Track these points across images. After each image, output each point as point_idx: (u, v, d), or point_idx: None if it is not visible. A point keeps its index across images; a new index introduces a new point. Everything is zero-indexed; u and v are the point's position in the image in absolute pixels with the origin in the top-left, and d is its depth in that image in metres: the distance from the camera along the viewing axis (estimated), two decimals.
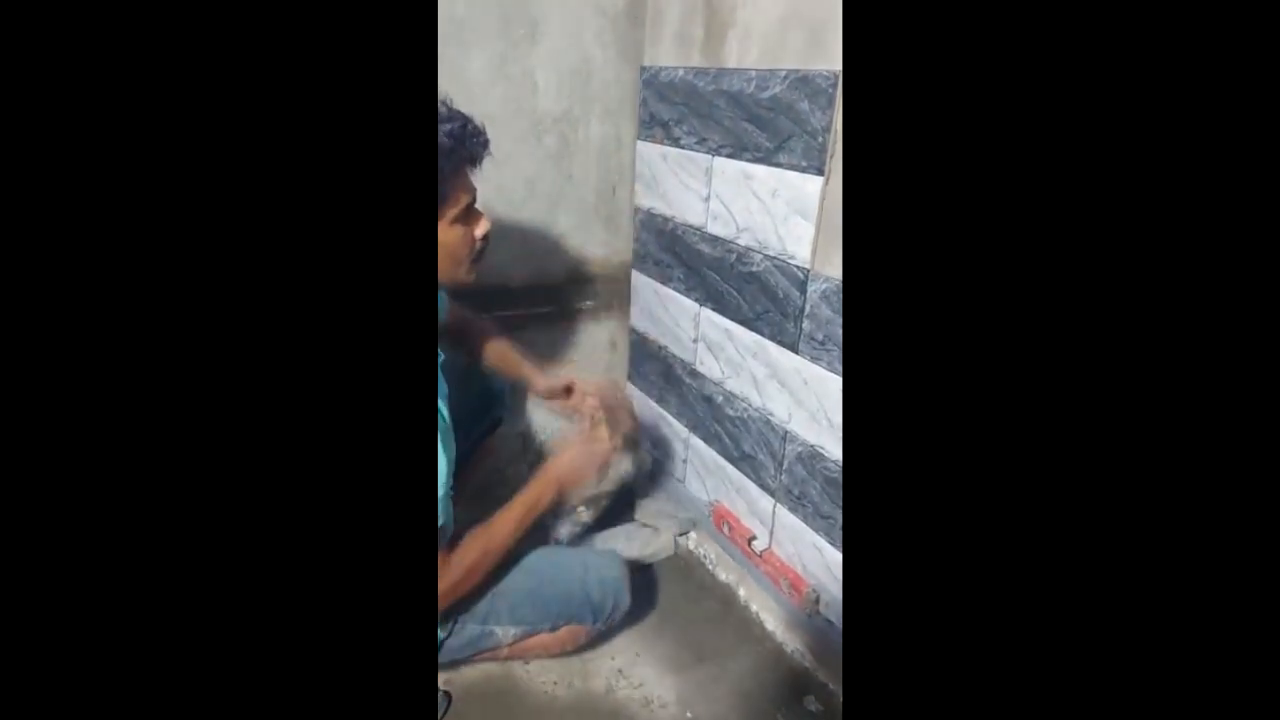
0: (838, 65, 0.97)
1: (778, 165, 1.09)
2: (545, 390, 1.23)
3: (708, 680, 1.15)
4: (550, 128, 1.39)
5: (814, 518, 1.15)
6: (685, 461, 1.50)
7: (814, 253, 1.06)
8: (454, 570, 0.92)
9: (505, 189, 1.38)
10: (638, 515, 1.50)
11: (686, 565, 1.43)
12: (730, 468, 1.35)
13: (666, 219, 1.40)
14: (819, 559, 1.15)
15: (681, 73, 1.29)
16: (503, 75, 1.31)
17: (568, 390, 1.21)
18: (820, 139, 1.01)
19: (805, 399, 1.12)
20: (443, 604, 0.94)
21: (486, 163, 0.88)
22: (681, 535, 1.47)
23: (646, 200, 1.46)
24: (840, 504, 1.08)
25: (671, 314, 1.45)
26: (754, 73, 1.12)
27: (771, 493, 1.25)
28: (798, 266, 1.09)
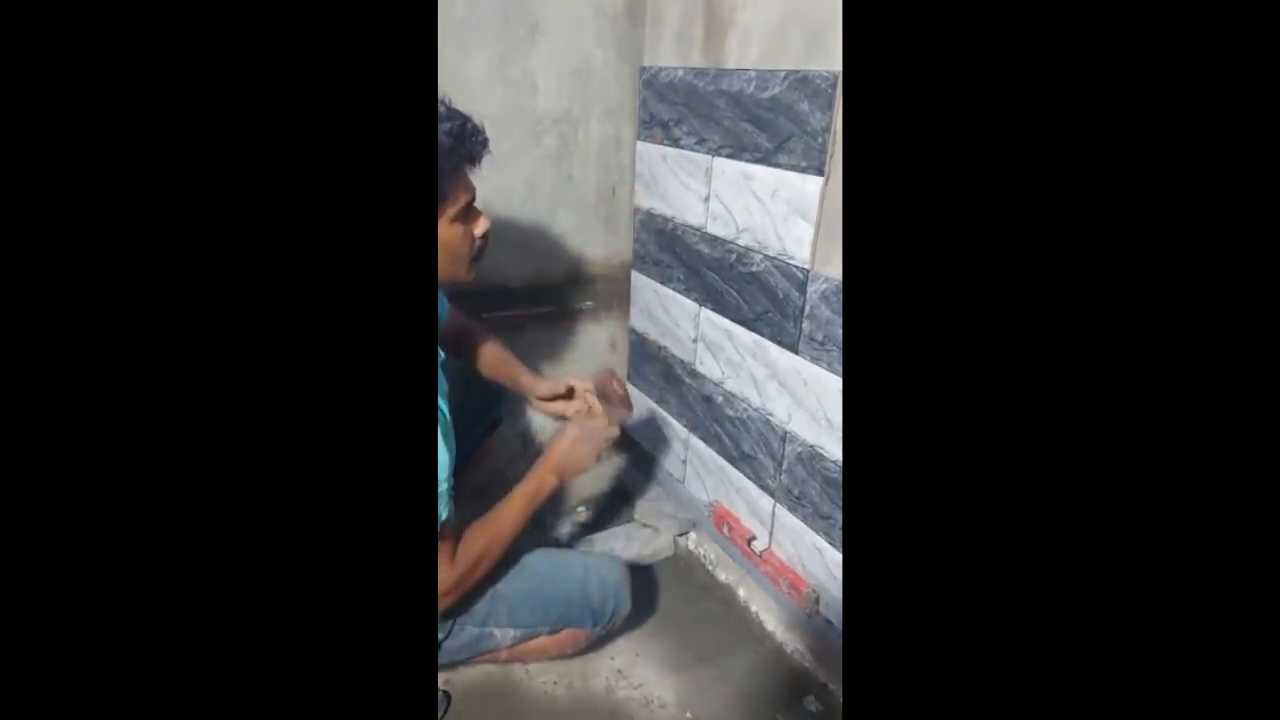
0: (837, 66, 0.97)
1: (777, 166, 1.09)
2: (546, 395, 1.22)
3: (707, 680, 1.15)
4: (550, 128, 1.39)
5: (814, 518, 1.15)
6: (685, 462, 1.50)
7: (814, 253, 1.06)
8: (459, 564, 0.92)
9: (505, 189, 1.38)
10: (637, 515, 1.50)
11: (686, 565, 1.43)
12: (730, 468, 1.35)
13: (666, 219, 1.40)
14: (819, 559, 1.15)
15: (681, 73, 1.29)
16: (502, 76, 1.31)
17: (570, 392, 1.21)
18: (820, 139, 1.01)
19: (805, 399, 1.12)
20: (448, 598, 0.93)
21: (486, 163, 0.89)
22: (681, 535, 1.47)
23: (646, 200, 1.46)
24: (840, 504, 1.08)
25: (671, 314, 1.45)
26: (754, 73, 1.12)
27: (771, 493, 1.25)
28: (797, 267, 1.09)
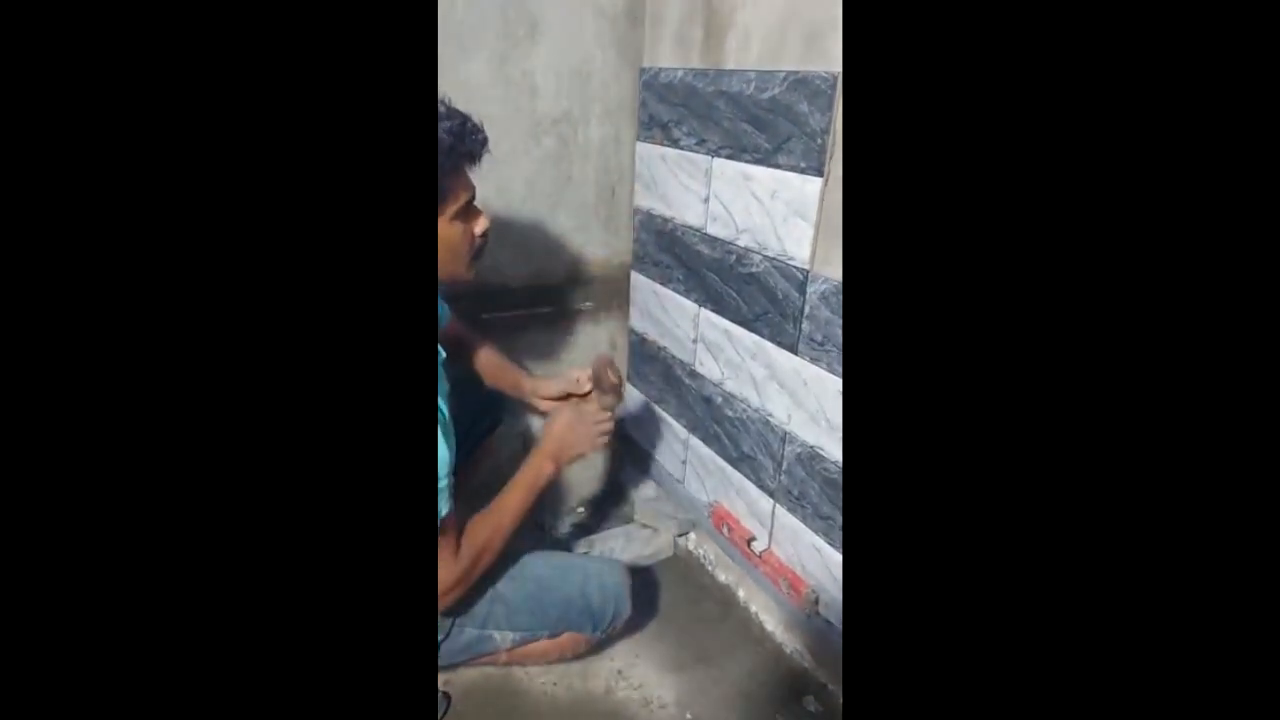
0: (836, 67, 0.97)
1: (777, 166, 1.10)
2: (551, 395, 1.21)
3: (707, 681, 1.15)
4: (550, 129, 1.39)
5: (813, 518, 1.15)
6: (685, 462, 1.50)
7: (813, 254, 1.06)
8: (463, 558, 0.92)
9: (505, 190, 1.38)
10: (637, 516, 1.50)
11: (686, 566, 1.43)
12: (729, 468, 1.35)
13: (666, 220, 1.40)
14: (818, 559, 1.15)
15: (681, 74, 1.29)
16: (502, 76, 1.31)
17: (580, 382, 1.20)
18: (819, 140, 1.01)
19: (804, 400, 1.12)
20: (453, 594, 0.93)
21: (486, 163, 0.90)
22: (681, 536, 1.47)
23: (646, 201, 1.46)
24: (839, 505, 1.08)
25: (671, 315, 1.45)
26: (753, 74, 1.12)
27: (771, 493, 1.25)
28: (797, 268, 1.09)
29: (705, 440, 1.42)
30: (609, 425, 1.06)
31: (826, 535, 1.13)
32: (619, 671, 1.15)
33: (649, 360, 1.56)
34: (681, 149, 1.32)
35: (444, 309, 1.16)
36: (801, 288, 1.09)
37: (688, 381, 1.44)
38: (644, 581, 1.32)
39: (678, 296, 1.41)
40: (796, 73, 1.03)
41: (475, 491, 1.01)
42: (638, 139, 1.45)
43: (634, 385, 1.64)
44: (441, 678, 1.08)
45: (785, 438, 1.18)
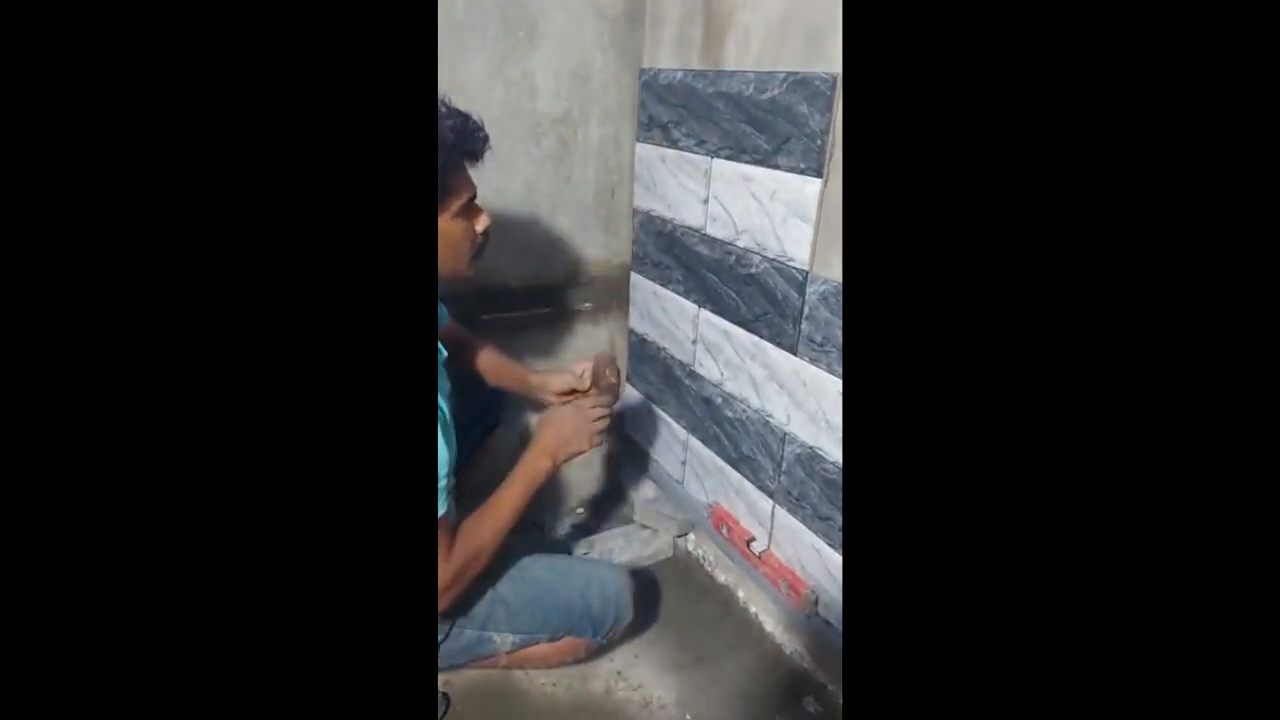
0: (836, 68, 0.97)
1: (776, 167, 1.10)
2: (560, 390, 1.21)
3: (707, 681, 1.15)
4: (549, 129, 1.39)
5: (813, 519, 1.15)
6: (684, 463, 1.50)
7: (813, 255, 1.06)
8: (456, 559, 0.91)
9: (504, 190, 1.38)
10: (636, 517, 1.50)
11: (685, 567, 1.43)
12: (729, 469, 1.35)
13: (665, 221, 1.40)
14: (818, 560, 1.15)
15: (680, 75, 1.29)
16: (502, 77, 1.31)
17: (582, 376, 1.20)
18: (819, 141, 1.01)
19: (804, 400, 1.12)
20: (448, 594, 0.92)
21: (486, 164, 0.90)
22: (680, 537, 1.47)
23: (645, 202, 1.46)
24: (838, 505, 1.08)
25: (670, 315, 1.45)
26: (753, 75, 1.12)
27: (770, 494, 1.25)
28: (796, 268, 1.09)
29: (705, 441, 1.42)
30: (604, 422, 1.05)
31: (826, 536, 1.13)
32: (618, 672, 1.15)
33: (648, 361, 1.57)
34: (681, 150, 1.32)
35: (442, 310, 1.16)
36: (801, 288, 1.09)
37: (687, 382, 1.44)
38: (645, 585, 1.31)
39: (677, 297, 1.41)
40: (796, 74, 1.03)
41: (475, 491, 1.01)
42: (637, 140, 1.45)
43: (633, 386, 1.64)
44: (441, 678, 1.08)
45: (785, 438, 1.18)
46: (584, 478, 1.61)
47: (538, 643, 1.07)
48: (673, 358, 1.47)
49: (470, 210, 0.90)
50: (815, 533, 1.15)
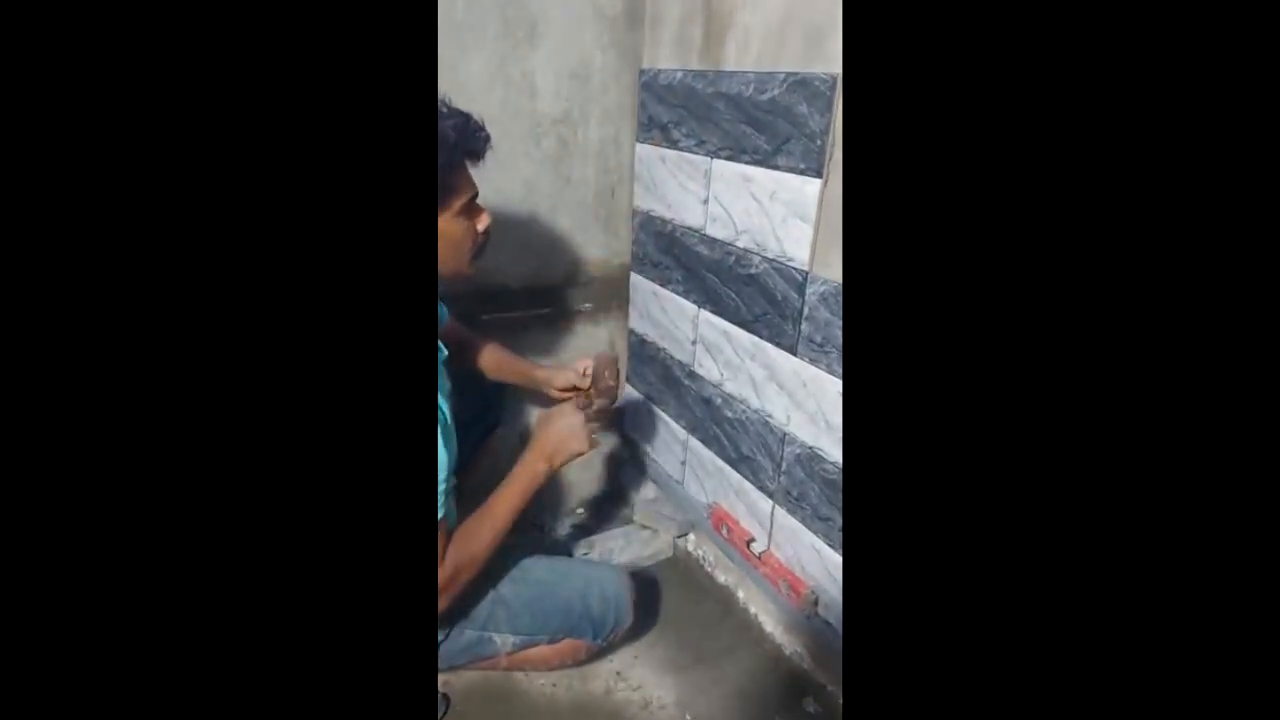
0: (836, 68, 0.97)
1: (776, 168, 1.10)
2: (564, 387, 1.21)
3: (706, 682, 1.15)
4: (549, 130, 1.39)
5: (812, 519, 1.15)
6: (684, 463, 1.50)
7: (812, 255, 1.06)
8: (450, 563, 0.91)
9: (504, 191, 1.38)
10: (636, 517, 1.50)
11: (685, 567, 1.43)
12: (729, 469, 1.35)
13: (665, 221, 1.40)
14: (817, 561, 1.15)
15: (680, 75, 1.29)
16: (502, 77, 1.31)
17: (585, 374, 1.20)
18: (819, 142, 1.01)
19: (804, 401, 1.12)
20: (443, 596, 0.92)
21: (486, 164, 0.91)
22: (680, 537, 1.47)
23: (645, 202, 1.46)
24: (838, 506, 1.08)
25: (670, 316, 1.45)
26: (752, 75, 1.12)
27: (770, 494, 1.25)
28: (796, 269, 1.09)
29: (704, 441, 1.42)
30: (600, 423, 1.05)
31: (826, 536, 1.13)
32: (618, 673, 1.15)
33: (648, 361, 1.57)
34: (681, 150, 1.32)
35: (442, 309, 1.17)
36: (800, 289, 1.09)
37: (687, 382, 1.44)
38: (644, 587, 1.31)
39: (677, 297, 1.41)
40: (796, 74, 1.03)
41: (475, 491, 1.01)
42: (637, 140, 1.45)
43: (633, 386, 1.64)
44: (441, 679, 1.08)
45: (784, 439, 1.18)
46: (584, 478, 1.61)
47: (538, 644, 1.07)
48: (672, 358, 1.47)
49: (472, 209, 0.91)
50: (815, 533, 1.15)
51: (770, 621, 1.27)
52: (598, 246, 1.53)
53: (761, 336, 1.20)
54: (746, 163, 1.16)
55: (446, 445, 0.86)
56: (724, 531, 1.36)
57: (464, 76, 1.27)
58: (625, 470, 1.65)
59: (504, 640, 1.04)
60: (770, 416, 1.21)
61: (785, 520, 1.22)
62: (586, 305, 1.57)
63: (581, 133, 1.43)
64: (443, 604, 0.93)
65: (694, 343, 1.39)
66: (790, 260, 1.10)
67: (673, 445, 1.53)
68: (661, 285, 1.46)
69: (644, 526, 1.47)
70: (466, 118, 0.86)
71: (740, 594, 1.34)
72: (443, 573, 0.90)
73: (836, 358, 1.04)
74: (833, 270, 1.03)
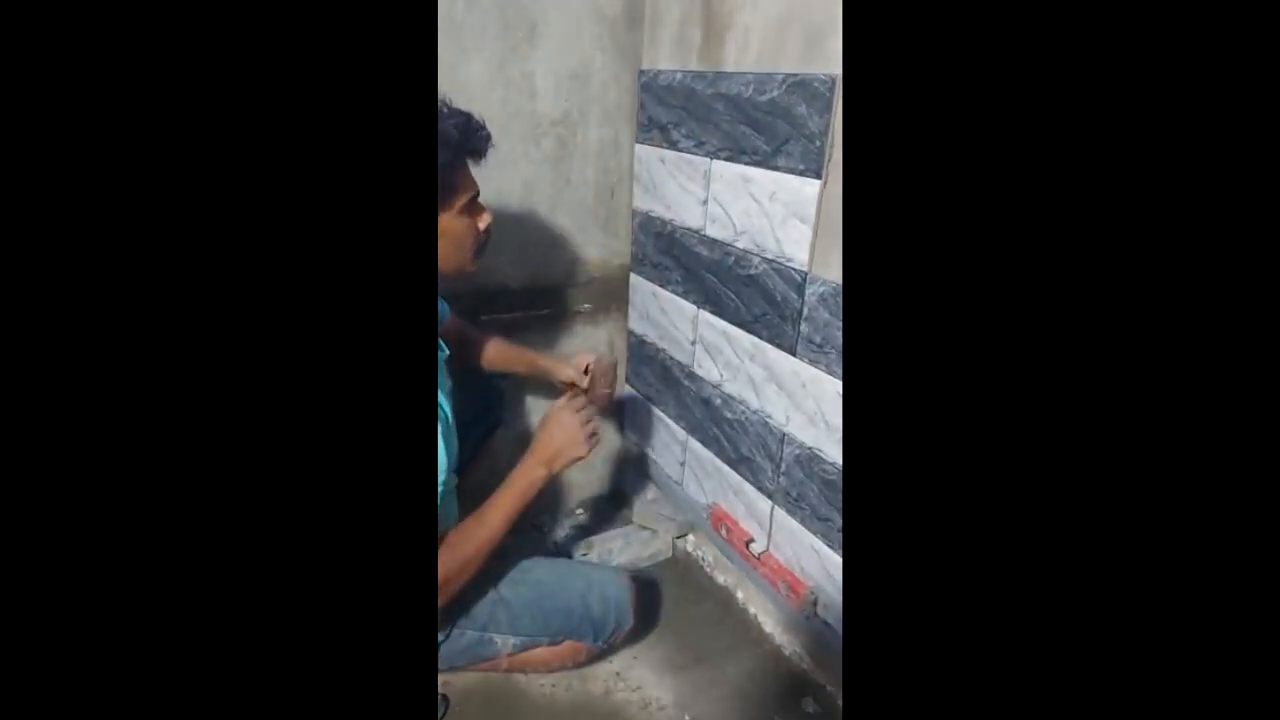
0: (835, 69, 0.97)
1: (775, 168, 1.10)
2: (565, 379, 1.22)
3: (706, 682, 1.15)
4: (549, 130, 1.39)
5: (812, 520, 1.15)
6: (683, 464, 1.50)
7: (812, 256, 1.06)
8: (447, 564, 0.90)
9: (504, 191, 1.38)
10: (636, 518, 1.50)
11: (684, 568, 1.43)
12: (728, 470, 1.35)
13: (665, 222, 1.40)
14: (817, 561, 1.15)
15: (680, 76, 1.29)
16: (501, 78, 1.31)
17: (586, 371, 1.21)
18: (818, 142, 1.01)
19: (803, 401, 1.12)
20: (440, 598, 0.92)
21: (485, 165, 0.91)
22: (680, 538, 1.47)
23: (645, 203, 1.46)
24: (838, 506, 1.08)
25: (669, 316, 1.45)
26: (752, 76, 1.12)
27: (770, 495, 1.25)
28: (796, 269, 1.09)
29: (704, 442, 1.42)
30: (596, 426, 1.04)
31: (825, 537, 1.13)
32: (617, 673, 1.15)
33: (647, 362, 1.57)
34: (680, 151, 1.32)
35: (444, 308, 1.17)
36: (800, 289, 1.09)
37: (686, 383, 1.44)
38: (644, 588, 1.31)
39: (676, 298, 1.41)
40: (795, 75, 1.04)
41: (474, 492, 1.01)
42: (636, 141, 1.45)
43: (633, 387, 1.64)
44: (440, 679, 1.08)
45: (784, 439, 1.18)
46: (583, 479, 1.61)
47: (538, 646, 1.07)
48: (672, 359, 1.47)
49: (473, 208, 0.92)
50: (814, 533, 1.15)
51: (769, 622, 1.27)
52: (597, 247, 1.54)
53: (761, 337, 1.20)
54: (746, 163, 1.16)
55: (447, 444, 0.86)
56: (723, 532, 1.36)
57: (464, 77, 1.27)
58: (625, 471, 1.65)
59: (504, 642, 1.04)
60: (769, 417, 1.21)
61: (784, 521, 1.22)
62: (586, 306, 1.57)
63: (581, 133, 1.43)
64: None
65: (693, 343, 1.39)
66: (789, 261, 1.10)
67: (672, 446, 1.53)
68: (661, 286, 1.46)
69: (643, 527, 1.47)
70: (468, 117, 0.87)
71: (739, 594, 1.34)
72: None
73: (836, 358, 1.04)
74: (832, 271, 1.03)
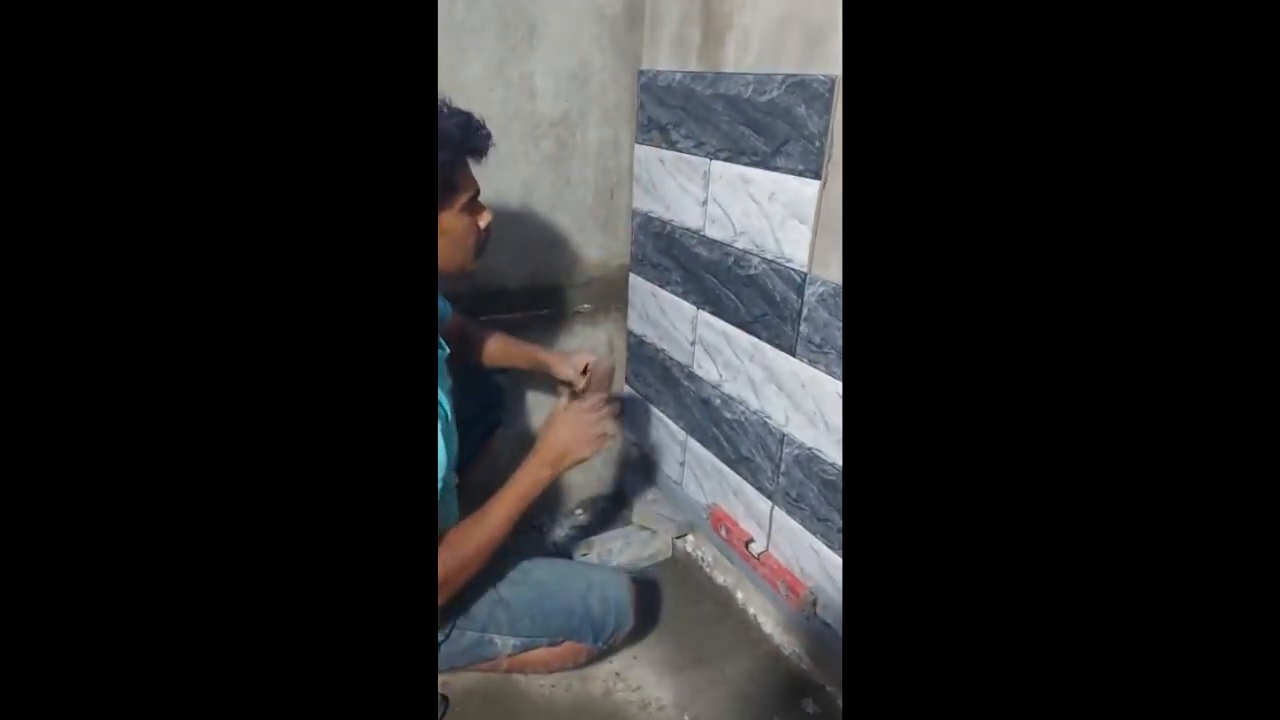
0: (835, 69, 0.97)
1: (775, 169, 1.10)
2: (563, 376, 1.22)
3: (705, 683, 1.15)
4: (548, 131, 1.39)
5: (811, 520, 1.15)
6: (683, 464, 1.50)
7: (811, 256, 1.06)
8: (446, 563, 0.90)
9: (503, 192, 1.38)
10: (635, 518, 1.50)
11: (684, 568, 1.43)
12: (728, 470, 1.35)
13: (664, 222, 1.40)
14: (816, 561, 1.15)
15: (679, 76, 1.29)
16: (501, 79, 1.31)
17: (584, 371, 1.21)
18: (817, 143, 1.01)
19: (802, 402, 1.12)
20: (439, 597, 0.92)
21: (484, 165, 0.92)
22: (679, 538, 1.47)
23: (644, 203, 1.46)
24: (837, 507, 1.09)
25: (669, 317, 1.45)
26: (751, 77, 1.12)
27: (769, 495, 1.25)
28: (795, 270, 1.09)
29: (703, 442, 1.42)
30: (606, 427, 1.04)
31: (824, 537, 1.13)
32: (617, 673, 1.15)
33: (647, 362, 1.57)
34: (680, 151, 1.32)
35: (446, 306, 1.17)
36: (799, 290, 1.09)
37: (686, 383, 1.44)
38: (644, 588, 1.31)
39: (676, 298, 1.41)
40: (794, 75, 1.04)
41: (474, 491, 1.01)
42: (636, 141, 1.46)
43: (632, 387, 1.64)
44: (440, 679, 1.08)
45: (783, 440, 1.18)
46: (583, 479, 1.61)
47: (538, 647, 1.06)
48: (671, 359, 1.47)
49: (474, 206, 0.92)
50: (814, 534, 1.15)
51: (769, 622, 1.27)
52: (597, 247, 1.54)
53: (760, 337, 1.20)
54: (745, 164, 1.16)
55: (447, 442, 0.86)
56: (723, 532, 1.36)
57: (464, 78, 1.27)
58: (624, 471, 1.65)
59: (504, 643, 1.04)
60: (769, 417, 1.21)
61: (784, 521, 1.22)
62: (585, 306, 1.57)
63: (580, 134, 1.43)
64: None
65: (693, 344, 1.39)
66: (789, 261, 1.10)
67: (671, 446, 1.53)
68: (660, 286, 1.46)
69: (643, 527, 1.47)
70: (469, 116, 0.87)
71: (739, 595, 1.34)
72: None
73: (835, 359, 1.04)
74: (831, 271, 1.03)
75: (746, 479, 1.30)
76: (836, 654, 1.12)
